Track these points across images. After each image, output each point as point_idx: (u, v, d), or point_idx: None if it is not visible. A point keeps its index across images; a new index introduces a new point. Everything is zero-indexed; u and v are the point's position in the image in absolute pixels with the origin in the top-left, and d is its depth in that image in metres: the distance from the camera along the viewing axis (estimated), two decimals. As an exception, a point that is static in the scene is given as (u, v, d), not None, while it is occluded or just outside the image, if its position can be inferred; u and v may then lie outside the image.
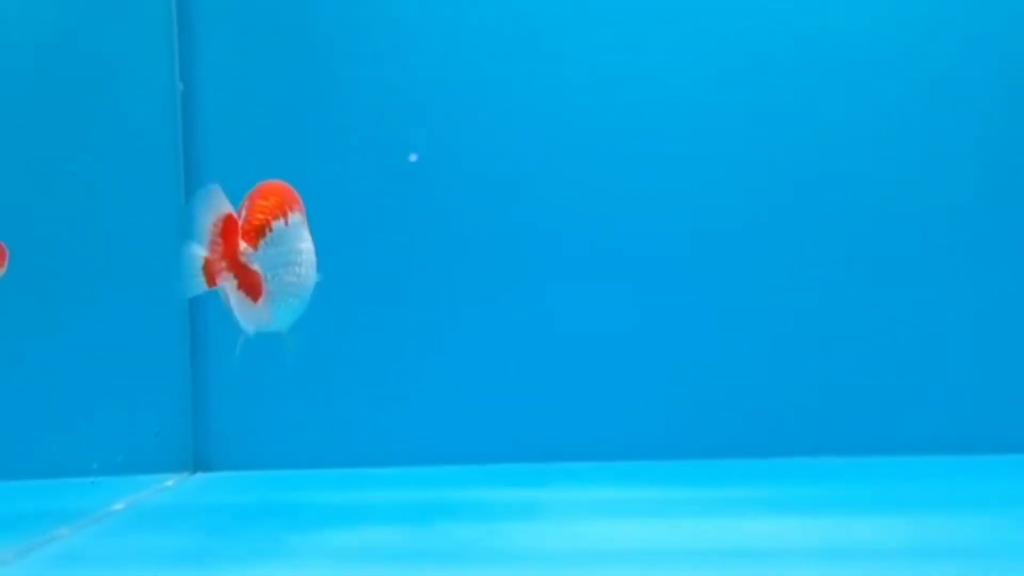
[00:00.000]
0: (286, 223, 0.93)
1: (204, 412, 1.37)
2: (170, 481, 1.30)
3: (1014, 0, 1.29)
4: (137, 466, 1.32)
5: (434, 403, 1.34)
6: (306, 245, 0.96)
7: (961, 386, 1.29)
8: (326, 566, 0.89)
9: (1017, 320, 1.29)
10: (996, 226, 1.30)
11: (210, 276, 0.89)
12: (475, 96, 1.34)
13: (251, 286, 0.92)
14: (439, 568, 0.88)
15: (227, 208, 0.91)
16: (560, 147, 1.34)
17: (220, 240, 0.90)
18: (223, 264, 0.90)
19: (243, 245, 0.91)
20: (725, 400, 1.31)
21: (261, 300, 0.93)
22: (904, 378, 1.30)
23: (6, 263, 0.91)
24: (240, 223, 0.91)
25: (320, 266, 0.99)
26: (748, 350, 1.31)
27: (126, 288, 1.31)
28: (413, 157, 1.34)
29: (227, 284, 0.91)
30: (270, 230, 0.92)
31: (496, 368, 1.34)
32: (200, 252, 0.89)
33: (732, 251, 1.32)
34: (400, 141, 1.35)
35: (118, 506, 1.15)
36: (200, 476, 1.34)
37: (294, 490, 1.24)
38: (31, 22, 1.13)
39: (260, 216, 0.92)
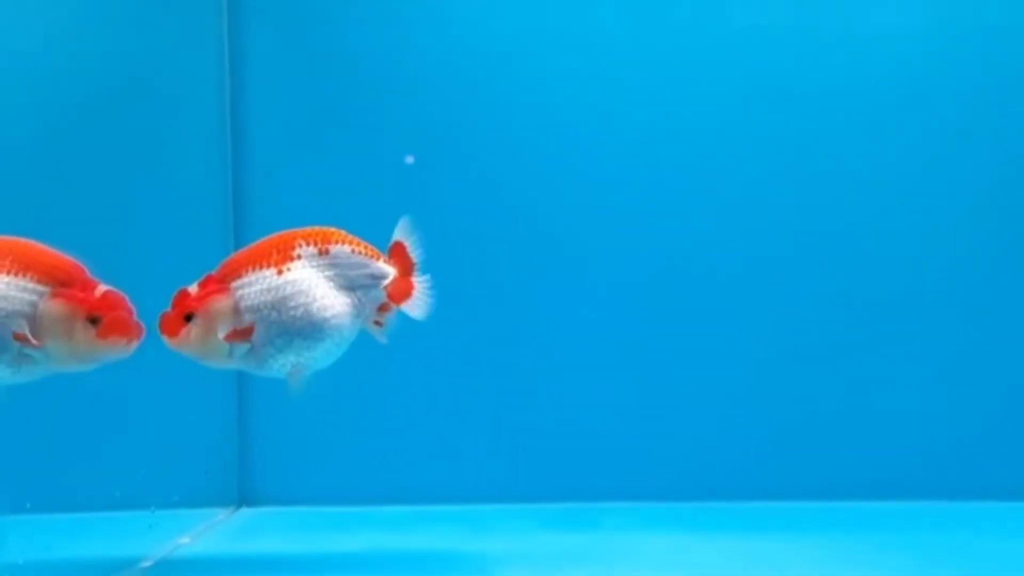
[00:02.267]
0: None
1: (248, 449, 1.41)
2: (220, 516, 1.34)
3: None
4: (188, 501, 1.36)
5: (482, 439, 1.38)
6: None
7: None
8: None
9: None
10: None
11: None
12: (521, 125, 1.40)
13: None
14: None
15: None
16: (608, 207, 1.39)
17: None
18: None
19: None
20: (788, 440, 1.37)
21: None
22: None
23: (141, 339, 0.93)
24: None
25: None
26: (817, 390, 1.37)
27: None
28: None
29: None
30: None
31: (547, 402, 1.38)
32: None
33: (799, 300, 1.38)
34: (441, 164, 1.39)
35: (184, 540, 1.19)
36: (245, 511, 1.38)
37: (340, 529, 1.27)
38: (80, 38, 1.15)
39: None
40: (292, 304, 0.98)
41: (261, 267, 0.99)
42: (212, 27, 1.41)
